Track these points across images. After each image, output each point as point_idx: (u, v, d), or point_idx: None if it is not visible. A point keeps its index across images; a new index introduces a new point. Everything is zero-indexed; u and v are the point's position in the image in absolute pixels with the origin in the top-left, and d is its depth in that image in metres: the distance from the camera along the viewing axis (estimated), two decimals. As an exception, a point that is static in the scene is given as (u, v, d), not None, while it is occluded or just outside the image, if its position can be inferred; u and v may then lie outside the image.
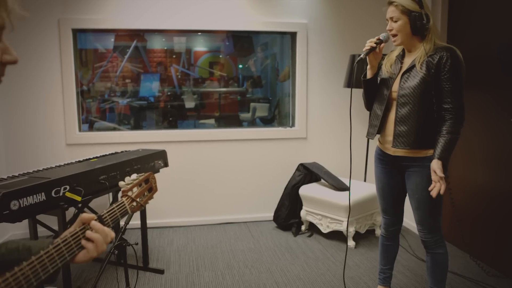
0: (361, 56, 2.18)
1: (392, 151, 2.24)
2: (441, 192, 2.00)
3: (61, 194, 2.21)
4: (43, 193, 2.11)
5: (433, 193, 2.01)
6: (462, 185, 3.29)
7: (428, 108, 2.11)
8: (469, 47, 3.19)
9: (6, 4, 0.71)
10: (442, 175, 2.00)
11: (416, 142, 2.14)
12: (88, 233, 0.99)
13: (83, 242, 0.98)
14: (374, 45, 2.18)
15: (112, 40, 4.26)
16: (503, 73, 2.91)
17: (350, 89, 3.20)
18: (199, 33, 4.46)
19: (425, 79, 2.08)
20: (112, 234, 1.03)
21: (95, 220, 1.04)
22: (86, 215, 1.03)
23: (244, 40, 4.58)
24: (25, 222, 2.42)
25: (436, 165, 2.03)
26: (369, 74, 2.31)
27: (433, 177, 2.03)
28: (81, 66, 4.03)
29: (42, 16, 3.61)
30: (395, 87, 2.21)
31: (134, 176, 1.38)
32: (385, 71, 2.28)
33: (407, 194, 2.33)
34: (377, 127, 2.28)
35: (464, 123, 2.09)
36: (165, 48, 4.61)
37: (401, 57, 2.26)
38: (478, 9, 3.15)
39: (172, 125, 4.58)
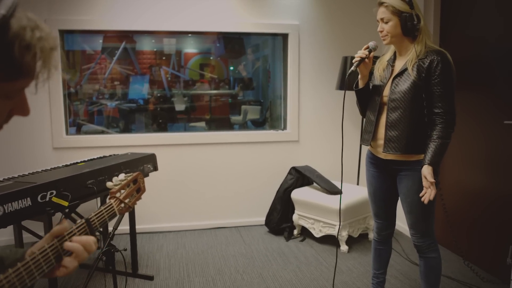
0: (352, 68, 2.17)
1: (383, 155, 2.23)
2: (431, 198, 2.00)
3: (47, 199, 2.16)
4: (28, 198, 2.06)
5: (424, 200, 2.00)
6: (457, 188, 3.28)
7: (419, 113, 2.11)
8: (462, 48, 3.19)
9: (49, 71, 0.71)
10: (433, 180, 2.00)
11: (407, 147, 2.13)
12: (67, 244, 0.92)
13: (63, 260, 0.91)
14: (364, 55, 2.17)
15: (100, 41, 4.19)
16: (498, 74, 2.91)
17: (342, 91, 3.16)
18: (190, 35, 4.41)
19: (416, 83, 2.07)
20: (93, 245, 0.96)
21: (83, 221, 1.00)
22: (57, 228, 0.94)
23: (235, 42, 4.54)
24: (10, 228, 2.36)
25: (426, 171, 2.02)
26: (360, 84, 2.30)
27: (424, 183, 2.03)
28: (68, 67, 3.95)
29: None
30: (386, 91, 2.20)
31: (122, 176, 1.33)
32: (377, 76, 2.28)
33: (399, 198, 2.31)
34: (372, 133, 2.26)
35: (454, 127, 2.09)
36: (155, 49, 4.55)
37: (392, 61, 2.25)
38: (470, 9, 3.15)
39: (162, 128, 4.51)
